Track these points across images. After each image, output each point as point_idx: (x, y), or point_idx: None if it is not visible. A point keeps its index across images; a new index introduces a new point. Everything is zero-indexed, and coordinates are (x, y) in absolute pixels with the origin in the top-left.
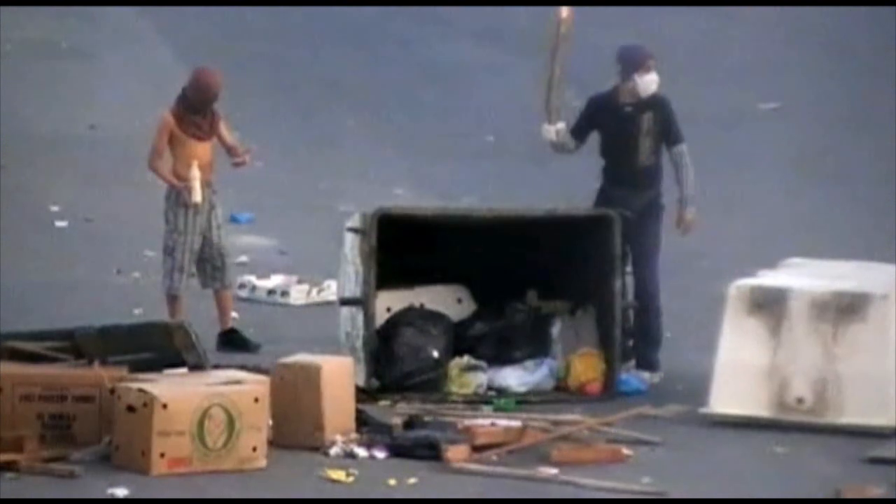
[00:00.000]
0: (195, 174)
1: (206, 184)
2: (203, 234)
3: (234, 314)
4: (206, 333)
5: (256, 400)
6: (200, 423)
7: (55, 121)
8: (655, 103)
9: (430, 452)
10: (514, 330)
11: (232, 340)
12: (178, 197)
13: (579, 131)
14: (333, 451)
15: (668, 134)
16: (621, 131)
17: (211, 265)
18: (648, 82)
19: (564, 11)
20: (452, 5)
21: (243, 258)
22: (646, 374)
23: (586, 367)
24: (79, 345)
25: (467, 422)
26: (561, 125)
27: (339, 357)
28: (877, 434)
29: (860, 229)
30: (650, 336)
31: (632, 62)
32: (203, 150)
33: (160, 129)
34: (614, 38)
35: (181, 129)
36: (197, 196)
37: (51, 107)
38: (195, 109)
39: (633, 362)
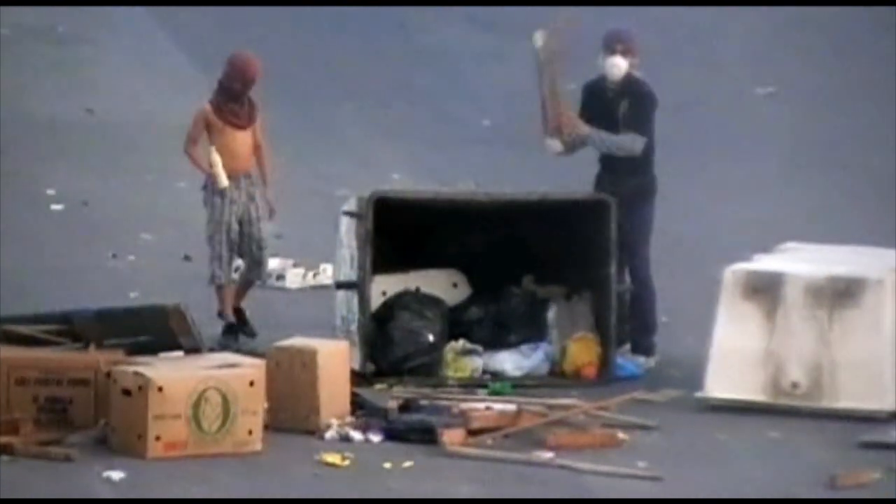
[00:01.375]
0: (215, 160)
1: (243, 174)
2: (241, 225)
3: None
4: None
5: (252, 383)
6: (196, 407)
7: (52, 105)
8: (632, 91)
9: (425, 436)
10: (509, 314)
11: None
12: (213, 185)
13: (583, 120)
14: (329, 434)
15: (635, 121)
16: (604, 116)
17: (250, 257)
18: (610, 65)
19: (540, 40)
20: None
21: None
22: (641, 359)
23: (582, 352)
24: (75, 328)
25: (463, 406)
26: (554, 143)
27: (334, 341)
28: (871, 419)
29: (856, 214)
30: (644, 321)
31: (603, 44)
32: (242, 139)
33: (196, 118)
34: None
35: (219, 117)
36: (222, 181)
37: (48, 91)
38: (233, 96)
39: (628, 347)
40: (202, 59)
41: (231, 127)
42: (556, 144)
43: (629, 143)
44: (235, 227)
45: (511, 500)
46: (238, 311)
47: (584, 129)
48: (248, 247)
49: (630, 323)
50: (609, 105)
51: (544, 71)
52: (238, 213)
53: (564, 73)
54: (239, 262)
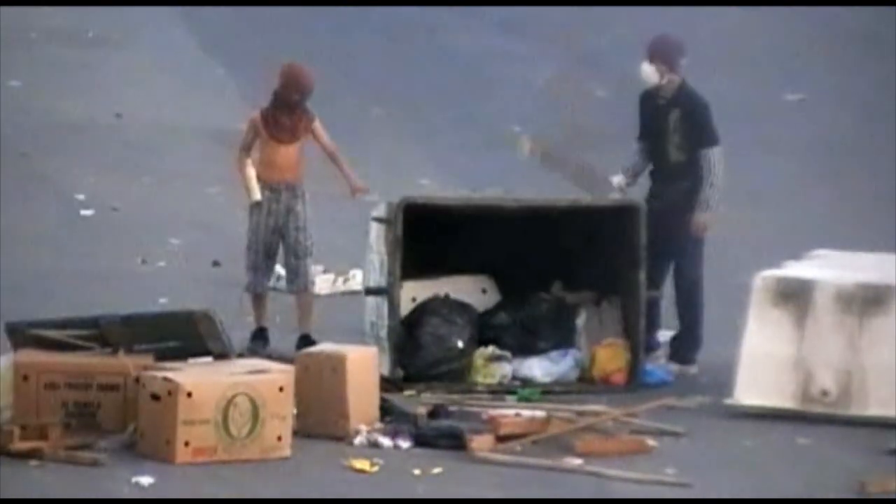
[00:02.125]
0: (249, 174)
1: (284, 185)
2: (279, 235)
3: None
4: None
5: (281, 389)
6: (225, 412)
7: (81, 109)
8: (684, 102)
9: (454, 442)
10: (538, 320)
11: (299, 344)
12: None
13: (641, 133)
14: (358, 440)
15: (695, 135)
16: (654, 125)
17: (289, 268)
18: (642, 72)
19: (526, 147)
20: None
21: None
22: (674, 366)
23: (611, 358)
24: (104, 333)
25: (492, 412)
26: (617, 179)
27: (363, 346)
28: None
29: (887, 221)
30: (690, 332)
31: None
32: (285, 152)
33: (247, 126)
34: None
35: (265, 127)
36: (254, 195)
37: (77, 95)
38: (285, 108)
39: (659, 352)
40: (231, 63)
41: (275, 140)
42: (616, 193)
43: (713, 164)
44: (272, 237)
45: (529, 499)
46: (304, 337)
47: (703, 218)
48: (286, 257)
49: (677, 329)
50: (659, 113)
51: (551, 164)
52: (275, 223)
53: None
54: (280, 271)
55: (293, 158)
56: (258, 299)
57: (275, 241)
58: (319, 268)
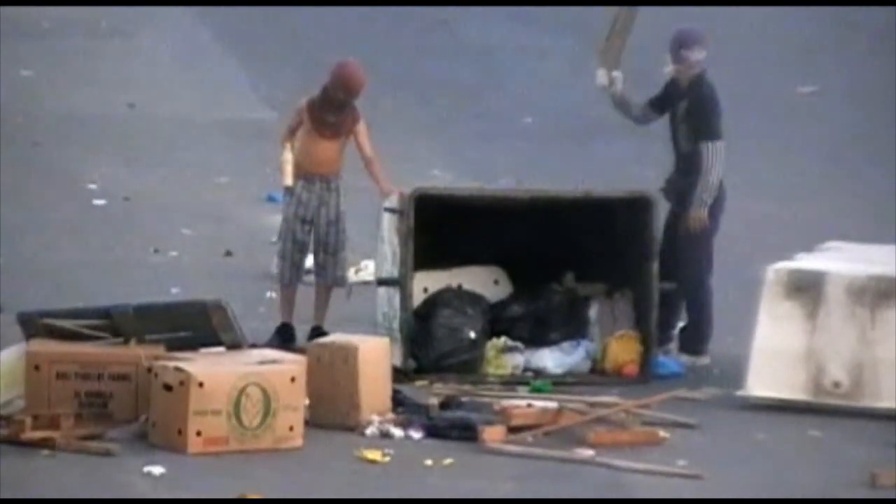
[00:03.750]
0: (286, 157)
1: (319, 178)
2: (310, 227)
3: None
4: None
5: (293, 379)
6: (237, 402)
7: (94, 99)
8: (692, 93)
9: (466, 433)
10: (550, 312)
11: (311, 335)
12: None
13: (654, 103)
14: (369, 431)
15: (699, 128)
16: (670, 113)
17: (317, 261)
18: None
19: (605, 78)
20: None
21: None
22: (684, 358)
23: (623, 350)
24: (116, 323)
25: (503, 403)
26: (617, 73)
27: (375, 337)
28: None
29: None
30: (698, 324)
31: None
32: (325, 146)
33: (295, 111)
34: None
35: (310, 117)
36: (286, 179)
37: (89, 85)
38: (333, 105)
39: (671, 345)
40: (244, 55)
41: (316, 134)
42: (604, 79)
43: (711, 160)
44: (301, 227)
45: (546, 499)
46: (316, 329)
47: (697, 213)
48: (315, 250)
49: (686, 321)
50: (674, 103)
51: (622, 14)
52: (305, 214)
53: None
54: (309, 263)
55: (332, 153)
56: (285, 291)
57: (304, 231)
58: None
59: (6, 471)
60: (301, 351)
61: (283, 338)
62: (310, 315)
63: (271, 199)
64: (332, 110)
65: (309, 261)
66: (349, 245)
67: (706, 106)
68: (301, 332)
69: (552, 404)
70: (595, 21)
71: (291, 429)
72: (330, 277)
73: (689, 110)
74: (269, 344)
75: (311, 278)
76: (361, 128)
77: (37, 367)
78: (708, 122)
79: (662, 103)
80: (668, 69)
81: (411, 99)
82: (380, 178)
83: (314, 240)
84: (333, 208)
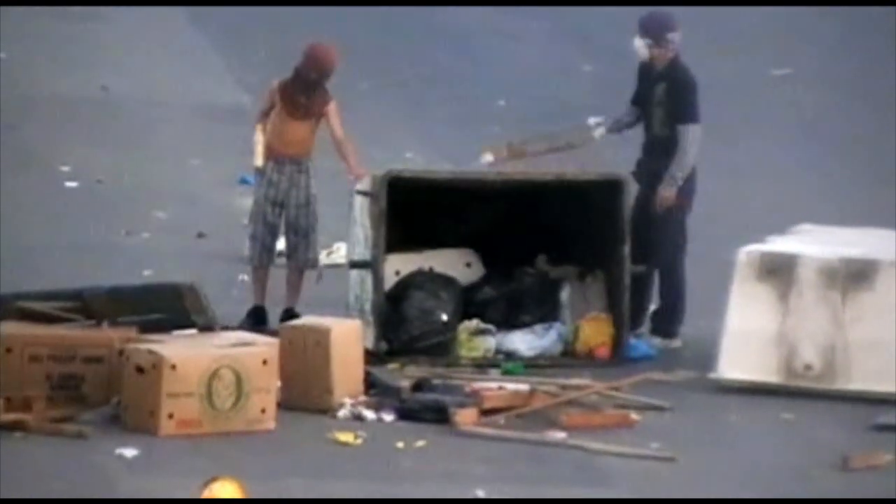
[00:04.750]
0: (257, 139)
1: (290, 159)
2: (280, 209)
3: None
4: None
5: (265, 362)
6: (209, 385)
7: (67, 82)
8: (672, 76)
9: (438, 416)
10: (523, 294)
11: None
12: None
13: (634, 97)
14: (342, 413)
15: (677, 111)
16: (645, 97)
17: (288, 243)
18: (635, 46)
19: (488, 156)
20: None
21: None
22: (656, 340)
23: (595, 332)
24: (88, 305)
25: (476, 385)
26: (592, 120)
27: (348, 320)
28: (884, 401)
29: (870, 196)
30: (671, 306)
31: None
32: (296, 127)
33: (267, 93)
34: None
35: (281, 100)
36: (256, 160)
37: (63, 68)
38: (305, 86)
39: (643, 328)
40: (218, 37)
41: (288, 114)
42: (595, 133)
43: (688, 142)
44: (272, 209)
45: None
46: (288, 311)
47: (668, 192)
48: (286, 232)
49: (658, 303)
50: (650, 86)
51: (521, 156)
52: (276, 196)
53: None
54: (281, 246)
55: (303, 134)
56: (257, 274)
57: (275, 213)
58: None
59: None
60: (274, 333)
61: (256, 320)
62: (282, 297)
63: (244, 181)
64: (303, 91)
65: (280, 243)
66: (319, 227)
67: (686, 88)
68: (274, 314)
69: (524, 387)
70: (569, 4)
71: (264, 411)
72: (301, 260)
73: (668, 93)
74: (242, 326)
75: (283, 261)
76: (332, 109)
77: (9, 350)
78: (687, 104)
79: (640, 93)
80: (644, 53)
81: (385, 82)
82: (351, 160)
83: (285, 222)
84: (304, 190)
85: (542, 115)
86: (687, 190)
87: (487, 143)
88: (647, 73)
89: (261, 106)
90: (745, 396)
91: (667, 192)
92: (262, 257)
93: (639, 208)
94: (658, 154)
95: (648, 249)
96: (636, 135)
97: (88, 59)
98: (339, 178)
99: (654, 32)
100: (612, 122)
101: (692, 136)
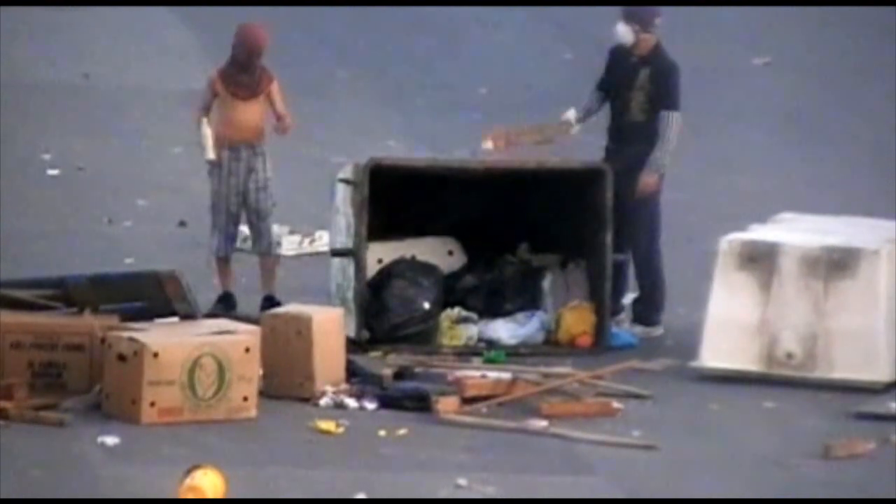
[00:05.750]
0: (205, 132)
1: (244, 145)
2: (243, 197)
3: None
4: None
5: (247, 350)
6: (191, 373)
7: (48, 70)
8: (657, 62)
9: (420, 404)
10: (504, 283)
11: (263, 305)
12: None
13: (603, 83)
14: (323, 401)
15: (660, 97)
16: (621, 81)
17: (252, 229)
18: (617, 31)
19: (489, 143)
20: None
21: None
22: (638, 329)
23: (577, 321)
24: (69, 293)
25: (457, 373)
26: (570, 112)
27: (329, 308)
28: (865, 389)
29: (852, 184)
30: (651, 295)
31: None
32: (245, 110)
33: (206, 85)
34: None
35: (224, 86)
36: (208, 154)
37: (45, 55)
38: (241, 66)
39: (623, 316)
40: (199, 25)
41: (234, 97)
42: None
43: (671, 127)
44: (234, 198)
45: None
46: (268, 299)
47: (650, 178)
48: (248, 218)
49: (638, 292)
50: (629, 70)
51: (515, 145)
52: (238, 185)
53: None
54: (245, 232)
55: (253, 116)
56: (222, 263)
57: (237, 202)
58: (285, 228)
59: None
60: (249, 319)
61: (226, 306)
62: (259, 285)
63: None
64: (243, 71)
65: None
66: (301, 215)
67: (673, 73)
68: (254, 302)
69: (506, 375)
70: None
71: (245, 399)
72: (264, 245)
73: (651, 79)
74: (213, 312)
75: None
76: (275, 87)
77: None
78: (673, 89)
79: (612, 78)
80: (629, 38)
81: (366, 70)
82: (286, 120)
83: (246, 208)
84: (261, 173)
85: (523, 103)
86: (660, 177)
87: (488, 131)
88: (622, 59)
89: (201, 99)
90: (726, 385)
91: (650, 178)
92: (227, 247)
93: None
94: (632, 143)
95: (626, 237)
96: (601, 120)
97: (69, 47)
98: (319, 167)
99: (642, 17)
100: (584, 113)
101: (674, 123)
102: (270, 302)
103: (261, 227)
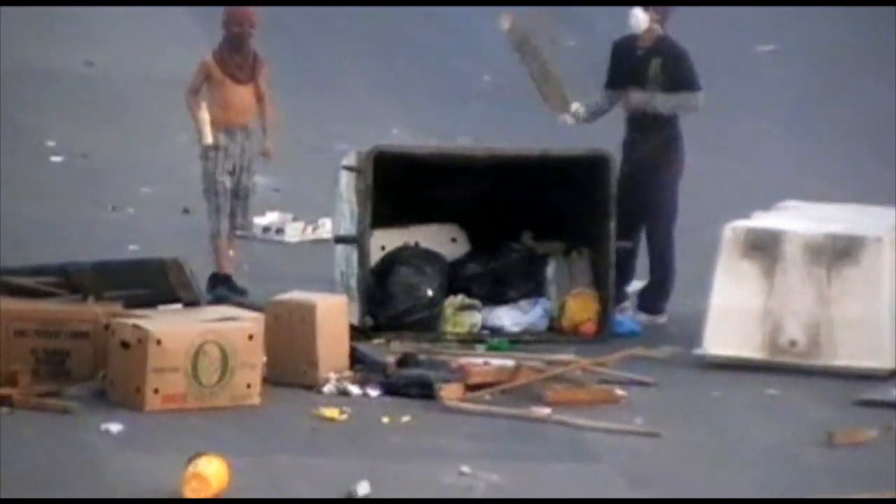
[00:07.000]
0: (203, 117)
1: (240, 127)
2: (235, 177)
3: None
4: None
5: (251, 337)
6: (195, 360)
7: (52, 57)
8: (666, 50)
9: (423, 391)
10: (508, 270)
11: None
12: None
13: (612, 81)
14: (327, 388)
15: (676, 84)
16: (633, 73)
17: (231, 205)
18: (630, 15)
19: (506, 23)
20: None
21: None
22: (643, 316)
23: (580, 308)
24: (73, 280)
25: (461, 361)
26: (576, 105)
27: (333, 295)
28: (869, 377)
29: (856, 172)
30: (661, 284)
31: None
32: (241, 93)
33: (198, 68)
34: None
35: (220, 69)
36: (206, 138)
37: (48, 43)
38: (234, 48)
39: (627, 303)
40: (202, 12)
41: (231, 80)
42: (568, 118)
43: (692, 100)
44: (230, 178)
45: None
46: (230, 278)
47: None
48: (237, 196)
49: (648, 279)
50: (639, 63)
51: (523, 52)
52: (234, 166)
53: (542, 50)
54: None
55: (250, 99)
56: (223, 244)
57: (232, 181)
58: (289, 216)
59: None
60: (253, 306)
61: (229, 287)
62: (266, 274)
63: None
64: (237, 50)
65: None
66: (304, 202)
67: (684, 58)
68: (259, 289)
69: (509, 362)
70: None
71: (249, 386)
72: (238, 222)
73: (664, 67)
74: (220, 297)
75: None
76: (265, 71)
77: None
78: (687, 73)
79: (621, 74)
80: (643, 25)
81: (370, 58)
82: (270, 120)
83: (237, 187)
84: (248, 153)
85: (526, 91)
86: (681, 157)
87: (507, 11)
88: (628, 52)
89: (192, 83)
90: (729, 372)
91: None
92: (228, 226)
93: (629, 185)
94: (651, 133)
95: (635, 225)
96: (617, 110)
97: (73, 34)
98: (323, 154)
99: (658, 8)
100: (591, 114)
101: (695, 103)
102: (216, 280)
103: (237, 205)
